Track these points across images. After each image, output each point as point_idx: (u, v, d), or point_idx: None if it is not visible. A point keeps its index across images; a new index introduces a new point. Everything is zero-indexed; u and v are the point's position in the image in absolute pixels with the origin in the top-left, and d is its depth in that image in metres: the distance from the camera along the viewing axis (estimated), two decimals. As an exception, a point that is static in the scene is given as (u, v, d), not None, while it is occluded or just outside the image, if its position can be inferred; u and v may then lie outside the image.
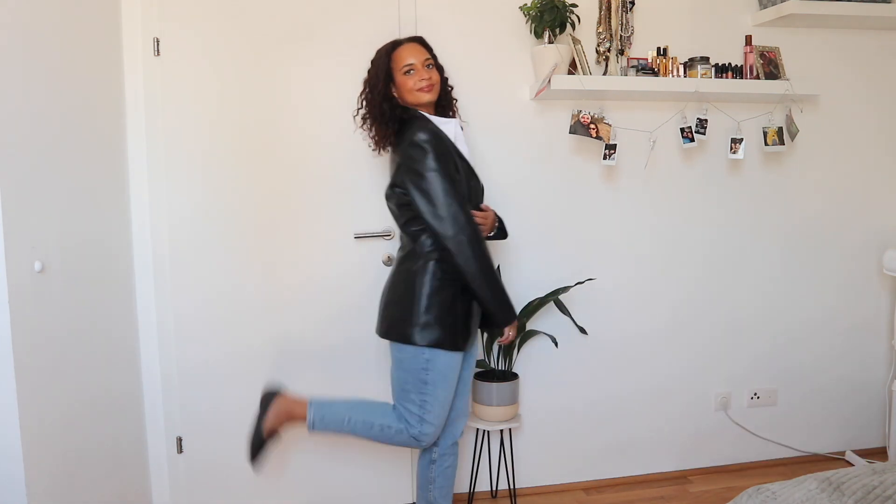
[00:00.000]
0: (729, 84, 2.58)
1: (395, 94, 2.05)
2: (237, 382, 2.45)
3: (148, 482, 2.44)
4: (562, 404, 2.75)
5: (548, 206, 2.65)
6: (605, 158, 2.51)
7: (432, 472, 2.19)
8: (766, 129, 2.66)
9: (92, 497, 1.97)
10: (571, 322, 2.60)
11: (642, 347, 2.79)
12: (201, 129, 2.37)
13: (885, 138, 2.90)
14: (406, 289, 2.00)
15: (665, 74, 2.56)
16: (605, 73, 2.55)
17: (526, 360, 2.68)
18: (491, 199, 2.25)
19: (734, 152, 2.63)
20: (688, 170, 2.75)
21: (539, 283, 2.61)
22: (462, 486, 2.63)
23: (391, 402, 2.11)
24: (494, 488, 2.73)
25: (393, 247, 2.52)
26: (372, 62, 2.09)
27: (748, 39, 2.65)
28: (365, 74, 2.11)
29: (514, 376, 2.54)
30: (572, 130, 2.49)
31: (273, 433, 2.10)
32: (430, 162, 1.91)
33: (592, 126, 2.49)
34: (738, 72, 2.64)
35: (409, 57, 2.03)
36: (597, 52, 2.53)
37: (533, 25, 2.48)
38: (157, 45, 2.31)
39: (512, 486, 2.66)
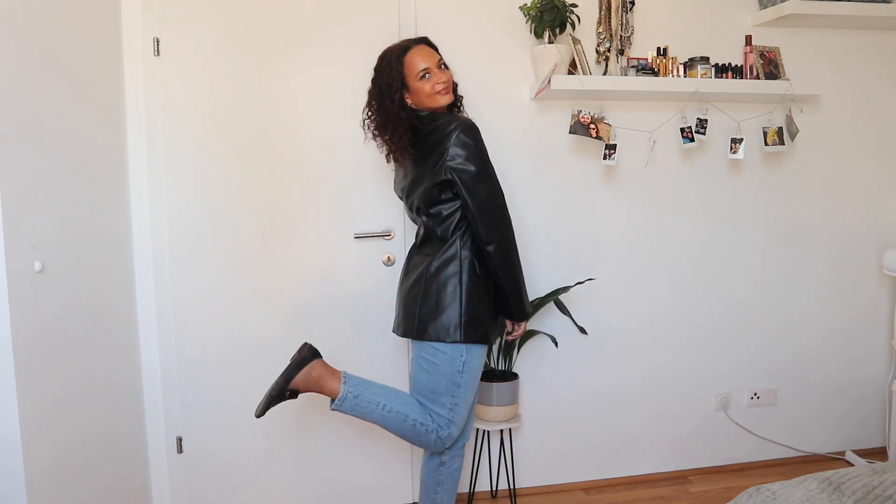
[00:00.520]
0: (729, 84, 2.57)
1: (409, 100, 2.00)
2: (237, 378, 2.46)
3: (147, 475, 2.44)
4: (562, 404, 2.75)
5: (547, 205, 2.65)
6: (605, 158, 2.51)
7: (441, 474, 2.12)
8: (766, 129, 2.66)
9: (92, 490, 1.97)
10: (571, 322, 2.60)
11: (642, 348, 2.79)
12: (201, 128, 2.37)
13: (885, 138, 2.90)
14: (439, 288, 1.96)
15: (665, 74, 2.56)
16: (605, 73, 2.55)
17: (526, 360, 2.68)
18: (491, 199, 2.25)
19: (734, 152, 2.62)
20: (688, 170, 2.75)
21: (539, 283, 2.62)
22: (462, 486, 2.63)
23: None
24: (494, 488, 2.73)
25: (393, 247, 2.52)
26: (378, 70, 2.01)
27: (748, 39, 2.65)
28: (367, 80, 2.05)
29: (514, 376, 2.54)
30: (572, 130, 2.49)
31: (294, 393, 1.99)
32: (484, 161, 1.92)
33: (592, 126, 2.48)
34: (738, 72, 2.64)
35: (423, 62, 1.97)
36: (597, 52, 2.53)
37: (533, 25, 2.48)
38: (157, 45, 2.32)
39: (512, 486, 2.66)
